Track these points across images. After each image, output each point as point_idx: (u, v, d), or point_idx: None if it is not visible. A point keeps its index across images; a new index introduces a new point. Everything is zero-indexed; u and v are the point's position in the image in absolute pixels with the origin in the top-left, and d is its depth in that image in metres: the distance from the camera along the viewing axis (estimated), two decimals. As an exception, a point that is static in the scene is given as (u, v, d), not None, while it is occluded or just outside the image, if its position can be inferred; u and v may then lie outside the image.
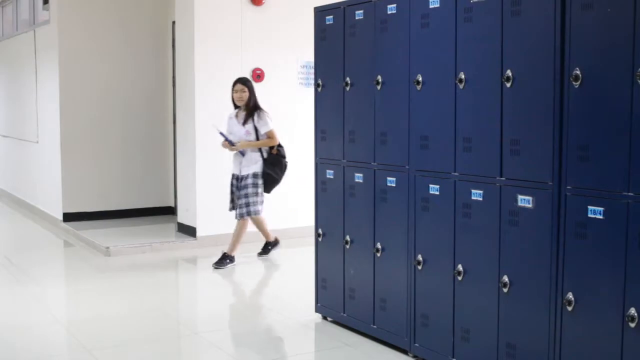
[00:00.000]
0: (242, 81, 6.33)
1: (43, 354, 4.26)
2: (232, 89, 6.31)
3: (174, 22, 7.97)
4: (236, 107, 6.35)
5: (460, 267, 3.60)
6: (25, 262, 6.77)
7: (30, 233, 8.48)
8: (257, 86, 7.33)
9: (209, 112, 7.17)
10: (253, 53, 7.30)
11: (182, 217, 7.45)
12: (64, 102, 8.17)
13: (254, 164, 6.22)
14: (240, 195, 6.18)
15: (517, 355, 3.33)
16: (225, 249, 6.32)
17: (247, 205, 6.18)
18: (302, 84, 7.61)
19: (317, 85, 4.65)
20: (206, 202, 7.19)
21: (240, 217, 6.22)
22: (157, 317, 4.77)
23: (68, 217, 8.21)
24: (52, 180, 8.49)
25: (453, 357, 3.69)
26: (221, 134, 6.17)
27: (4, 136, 11.28)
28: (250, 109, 6.25)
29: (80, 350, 4.28)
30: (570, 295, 3.06)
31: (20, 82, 10.21)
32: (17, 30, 10.33)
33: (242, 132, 6.23)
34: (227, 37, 7.18)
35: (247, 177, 6.18)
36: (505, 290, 3.36)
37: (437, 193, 3.74)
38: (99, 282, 5.90)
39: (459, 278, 3.61)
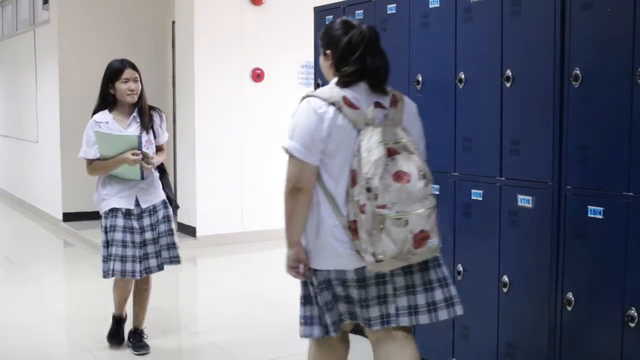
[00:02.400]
0: (132, 65, 4.09)
1: (43, 353, 4.26)
2: (114, 77, 4.03)
3: (174, 22, 7.97)
4: (108, 104, 4.09)
5: (460, 267, 3.61)
6: (25, 261, 6.78)
7: (30, 233, 8.48)
8: (257, 86, 7.35)
9: (209, 112, 7.18)
10: (253, 53, 7.31)
11: (182, 216, 7.46)
12: (63, 102, 8.17)
13: (158, 189, 4.21)
14: (161, 234, 4.15)
15: (517, 355, 3.33)
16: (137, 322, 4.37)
17: (175, 246, 4.19)
18: (302, 84, 7.61)
19: (317, 85, 4.65)
20: (206, 202, 7.19)
21: (170, 263, 4.19)
22: (157, 317, 4.76)
23: (68, 217, 8.21)
24: (52, 180, 8.50)
25: (453, 357, 3.69)
26: (140, 149, 4.01)
27: (4, 136, 11.28)
28: (146, 107, 4.14)
29: (81, 350, 4.28)
30: (570, 295, 3.06)
31: (20, 81, 10.22)
32: (17, 30, 10.33)
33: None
34: (227, 37, 7.18)
35: (157, 208, 4.17)
36: (505, 289, 3.36)
37: (437, 193, 3.73)
38: (98, 281, 5.88)
39: (459, 278, 3.61)
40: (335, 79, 2.73)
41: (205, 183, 7.16)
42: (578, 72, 3.00)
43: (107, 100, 4.08)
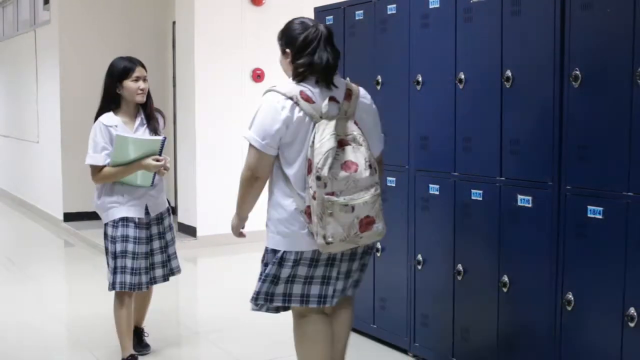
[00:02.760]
0: (141, 63, 3.87)
1: (43, 353, 4.26)
2: (124, 76, 3.76)
3: (174, 23, 7.98)
4: (113, 106, 3.81)
5: (460, 267, 3.61)
6: (25, 261, 6.78)
7: (31, 233, 8.49)
8: (257, 86, 7.35)
9: (210, 112, 7.18)
10: (253, 53, 7.31)
11: (182, 216, 7.46)
12: (64, 102, 8.18)
13: (164, 195, 4.04)
14: (168, 243, 4.04)
15: (517, 355, 3.33)
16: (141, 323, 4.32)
17: (176, 255, 4.10)
18: (302, 84, 7.60)
19: (317, 85, 4.65)
20: (206, 201, 7.19)
21: (178, 272, 4.13)
22: (157, 317, 4.76)
23: (68, 217, 8.22)
24: (53, 180, 8.51)
25: (453, 357, 3.69)
26: (160, 154, 3.83)
27: (5, 136, 11.29)
28: (153, 108, 3.92)
29: (81, 349, 4.29)
30: (569, 295, 3.07)
31: (20, 82, 10.22)
32: (17, 30, 10.34)
33: None
34: (227, 37, 7.19)
35: (163, 216, 4.00)
36: (504, 290, 3.36)
37: (437, 193, 3.74)
38: (99, 281, 5.89)
39: (459, 278, 3.61)
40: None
41: (206, 183, 7.16)
42: (578, 72, 3.00)
43: (113, 101, 3.78)
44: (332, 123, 2.83)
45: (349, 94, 2.96)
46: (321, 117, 2.86)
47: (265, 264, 2.99)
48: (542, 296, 3.19)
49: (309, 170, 2.82)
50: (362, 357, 4.11)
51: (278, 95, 2.89)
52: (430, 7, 3.72)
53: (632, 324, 2.82)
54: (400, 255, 3.99)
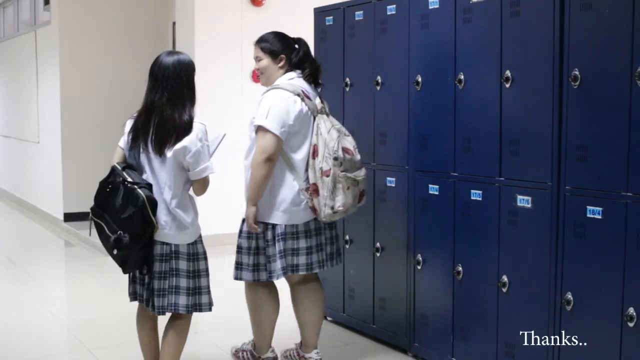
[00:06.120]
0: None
1: (44, 353, 4.27)
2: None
3: (174, 23, 7.98)
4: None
5: (459, 267, 3.61)
6: (26, 261, 6.78)
7: (31, 233, 8.49)
8: (256, 86, 7.33)
9: (209, 113, 7.18)
10: (253, 53, 7.30)
11: (183, 217, 7.46)
12: (64, 103, 8.18)
13: None
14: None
15: (517, 355, 3.34)
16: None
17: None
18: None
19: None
20: (206, 202, 7.18)
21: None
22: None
23: (69, 217, 8.22)
24: (53, 180, 8.51)
25: (452, 357, 3.70)
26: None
27: (5, 136, 11.29)
28: None
29: (81, 349, 4.29)
30: (569, 295, 3.07)
31: (21, 82, 10.23)
32: (18, 30, 10.34)
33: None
34: (227, 37, 7.19)
35: None
36: (504, 290, 3.37)
37: (437, 193, 3.75)
38: (99, 281, 5.91)
39: (459, 278, 3.62)
40: (287, 75, 3.52)
41: (206, 183, 7.16)
42: (577, 72, 3.00)
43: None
44: (326, 117, 3.48)
45: (320, 96, 3.57)
46: (319, 112, 3.47)
47: (265, 240, 3.48)
48: (541, 296, 3.19)
49: (315, 154, 3.40)
50: (362, 357, 4.12)
51: (286, 92, 3.42)
52: (430, 7, 3.72)
53: (631, 324, 2.83)
54: (400, 255, 3.99)
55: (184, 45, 7.36)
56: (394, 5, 3.96)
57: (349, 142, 3.45)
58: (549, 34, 3.11)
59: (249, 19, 7.28)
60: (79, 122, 8.21)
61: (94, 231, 3.28)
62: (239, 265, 3.59)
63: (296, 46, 3.59)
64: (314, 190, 3.40)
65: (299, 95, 3.43)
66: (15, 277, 6.16)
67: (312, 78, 3.57)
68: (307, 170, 3.46)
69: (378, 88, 4.09)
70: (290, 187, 3.45)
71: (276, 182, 3.45)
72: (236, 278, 3.63)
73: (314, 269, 3.56)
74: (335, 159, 3.35)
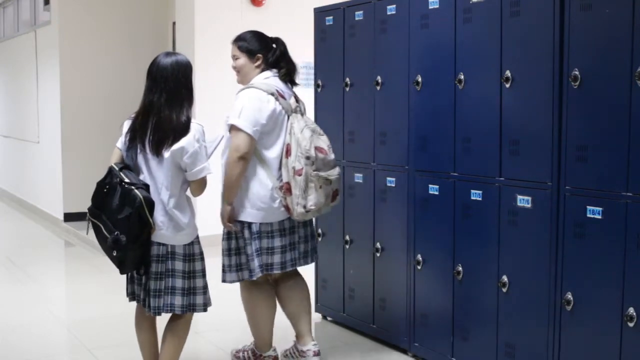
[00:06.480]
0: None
1: (44, 353, 4.27)
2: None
3: (174, 23, 7.98)
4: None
5: (459, 267, 3.61)
6: (26, 261, 6.78)
7: (31, 233, 8.49)
8: (257, 86, 7.35)
9: (209, 113, 7.18)
10: (253, 53, 7.30)
11: (183, 217, 7.45)
12: (64, 103, 8.18)
13: None
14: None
15: (516, 355, 3.34)
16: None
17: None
18: (302, 84, 7.58)
19: (317, 86, 4.66)
20: (206, 202, 7.18)
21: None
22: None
23: (69, 217, 8.22)
24: (53, 180, 8.51)
25: (452, 357, 3.70)
26: None
27: (5, 136, 11.29)
28: None
29: (81, 349, 4.29)
30: (569, 295, 3.07)
31: (21, 82, 10.23)
32: (18, 30, 10.34)
33: None
34: (227, 37, 7.13)
35: None
36: (504, 290, 3.37)
37: (437, 193, 3.75)
38: (99, 281, 5.91)
39: (459, 278, 3.62)
40: (263, 74, 3.57)
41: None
42: (577, 72, 3.00)
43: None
44: (299, 116, 3.54)
45: (296, 97, 3.64)
46: (292, 112, 3.53)
47: (243, 239, 3.53)
48: (541, 296, 3.19)
49: (288, 153, 3.44)
50: (362, 357, 4.12)
51: (260, 92, 3.47)
52: (430, 7, 3.72)
53: (631, 324, 2.83)
54: (400, 255, 3.99)
55: (184, 45, 7.36)
56: (394, 5, 3.96)
57: (323, 142, 3.50)
58: (549, 34, 3.11)
59: (249, 19, 7.28)
60: (79, 122, 8.20)
61: (92, 231, 3.28)
62: (223, 268, 3.64)
63: (274, 45, 3.64)
64: (287, 189, 3.45)
65: (273, 94, 3.47)
66: (15, 277, 6.16)
67: (288, 77, 3.62)
68: (280, 168, 3.50)
69: (378, 88, 4.09)
70: (263, 185, 3.49)
71: (250, 181, 3.50)
72: (223, 281, 3.66)
73: (287, 268, 3.60)
74: (308, 158, 3.40)
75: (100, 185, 3.22)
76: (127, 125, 3.29)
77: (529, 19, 3.22)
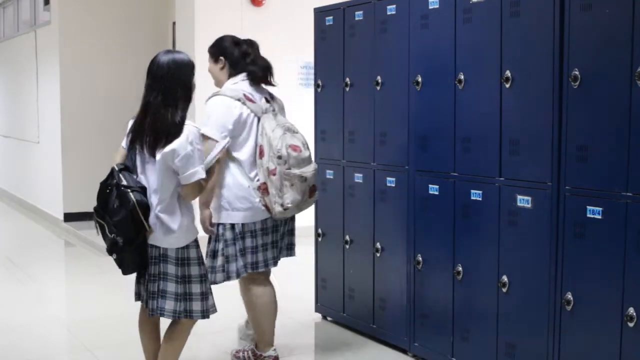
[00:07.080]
0: None
1: (44, 353, 4.27)
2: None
3: (174, 23, 7.98)
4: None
5: (459, 267, 3.61)
6: (26, 261, 6.78)
7: (31, 233, 8.49)
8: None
9: (210, 113, 7.17)
10: (253, 53, 7.30)
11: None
12: (64, 103, 8.18)
13: None
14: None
15: (516, 355, 3.34)
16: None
17: None
18: (302, 84, 7.61)
19: (317, 86, 4.66)
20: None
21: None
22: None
23: (69, 217, 8.22)
24: (53, 180, 8.51)
25: (452, 357, 3.70)
26: None
27: (5, 136, 11.29)
28: None
29: (82, 349, 4.29)
30: (569, 295, 3.07)
31: (21, 82, 10.23)
32: (18, 31, 10.34)
33: None
34: (228, 37, 7.18)
35: None
36: (504, 290, 3.37)
37: (437, 193, 3.75)
38: (100, 281, 5.91)
39: (458, 278, 3.62)
40: (232, 80, 3.66)
41: (206, 183, 7.16)
42: (577, 72, 3.00)
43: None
44: (271, 116, 3.59)
45: (271, 96, 3.72)
46: (263, 113, 3.58)
47: (224, 241, 3.55)
48: (541, 296, 3.19)
49: (261, 154, 3.51)
50: (362, 357, 4.12)
51: (226, 98, 3.56)
52: (430, 7, 3.72)
53: (631, 324, 2.83)
54: (400, 255, 3.99)
55: (184, 45, 7.36)
56: (394, 5, 3.96)
57: (298, 139, 3.53)
58: (549, 34, 3.11)
59: (249, 19, 7.28)
60: (79, 122, 8.20)
61: (94, 231, 3.28)
62: (211, 269, 3.57)
63: (244, 47, 3.70)
64: (264, 189, 3.52)
65: (240, 99, 3.54)
66: (15, 277, 6.16)
67: (257, 80, 3.64)
68: (254, 168, 3.57)
69: (378, 88, 4.09)
70: (239, 186, 3.54)
71: (227, 183, 3.56)
72: (212, 282, 3.55)
73: (269, 266, 3.69)
74: (279, 157, 3.46)
75: (103, 185, 3.20)
76: (131, 124, 3.26)
77: (529, 19, 3.22)
